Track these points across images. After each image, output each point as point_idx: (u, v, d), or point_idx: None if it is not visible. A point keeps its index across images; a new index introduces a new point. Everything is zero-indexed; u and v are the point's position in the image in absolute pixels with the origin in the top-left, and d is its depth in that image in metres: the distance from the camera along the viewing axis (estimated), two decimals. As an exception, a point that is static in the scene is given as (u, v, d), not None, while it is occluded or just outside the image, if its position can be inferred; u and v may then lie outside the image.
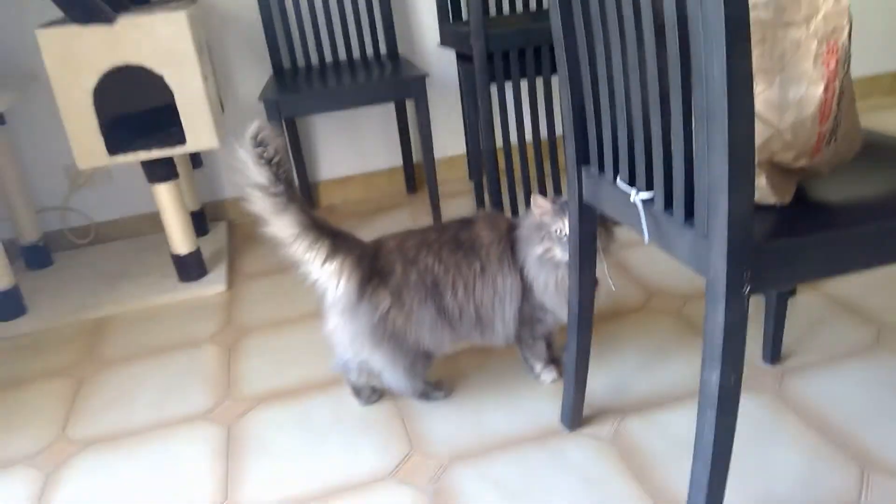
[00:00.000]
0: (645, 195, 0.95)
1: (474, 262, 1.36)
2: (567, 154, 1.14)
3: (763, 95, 0.82)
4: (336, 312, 1.35)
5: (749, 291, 0.82)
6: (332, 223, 1.35)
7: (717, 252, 0.80)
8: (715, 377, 0.86)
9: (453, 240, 1.39)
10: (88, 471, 1.37)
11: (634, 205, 0.97)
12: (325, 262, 1.31)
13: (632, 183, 0.98)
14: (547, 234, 1.32)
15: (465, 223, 1.42)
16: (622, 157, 0.99)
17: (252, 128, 1.24)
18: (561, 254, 1.31)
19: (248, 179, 1.26)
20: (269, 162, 1.23)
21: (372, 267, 1.34)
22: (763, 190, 0.88)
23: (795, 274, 0.84)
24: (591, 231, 1.18)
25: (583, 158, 1.12)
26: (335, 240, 1.32)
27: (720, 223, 0.78)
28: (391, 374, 1.38)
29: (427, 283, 1.34)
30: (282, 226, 1.28)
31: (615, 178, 1.03)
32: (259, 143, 1.23)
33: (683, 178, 0.85)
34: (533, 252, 1.34)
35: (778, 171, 0.90)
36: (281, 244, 1.30)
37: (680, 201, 0.87)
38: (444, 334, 1.37)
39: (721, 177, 0.76)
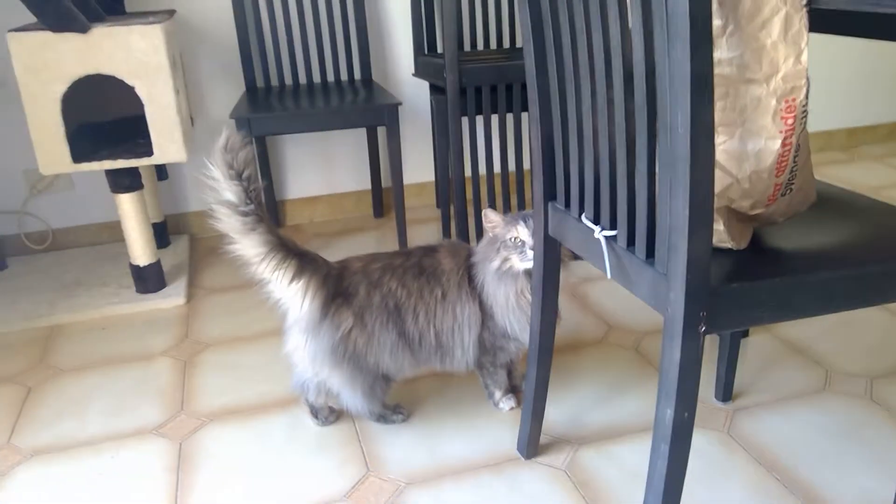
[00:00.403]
0: (608, 233, 0.98)
1: (436, 289, 1.38)
2: (535, 189, 1.18)
3: (724, 146, 0.86)
4: (297, 331, 1.36)
5: (704, 331, 0.85)
6: (298, 243, 1.36)
7: (676, 291, 0.84)
8: (669, 412, 0.89)
9: (417, 266, 1.40)
10: (34, 480, 1.34)
11: (598, 241, 1.00)
12: (290, 281, 1.32)
13: (596, 220, 1.02)
14: (502, 244, 1.33)
15: (429, 250, 1.44)
16: (588, 195, 1.03)
17: (222, 137, 1.25)
18: (519, 261, 1.31)
19: (218, 196, 1.26)
20: (239, 175, 1.24)
21: (336, 287, 1.35)
22: (721, 234, 0.92)
23: (749, 316, 0.88)
24: (555, 263, 1.21)
25: (550, 194, 1.15)
26: (301, 260, 1.33)
27: (679, 264, 0.82)
28: (350, 396, 1.38)
29: (389, 306, 1.35)
30: (249, 245, 1.29)
31: (580, 215, 1.06)
32: (229, 150, 1.23)
33: (646, 219, 0.89)
34: (490, 268, 1.35)
35: (735, 217, 0.94)
36: (246, 263, 1.31)
37: (642, 240, 0.90)
38: (404, 358, 1.38)
39: (682, 220, 0.80)
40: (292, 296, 1.33)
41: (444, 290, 1.38)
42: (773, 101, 0.85)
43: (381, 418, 1.45)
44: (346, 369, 1.34)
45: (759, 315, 0.90)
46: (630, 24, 0.82)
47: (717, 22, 0.81)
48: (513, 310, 1.37)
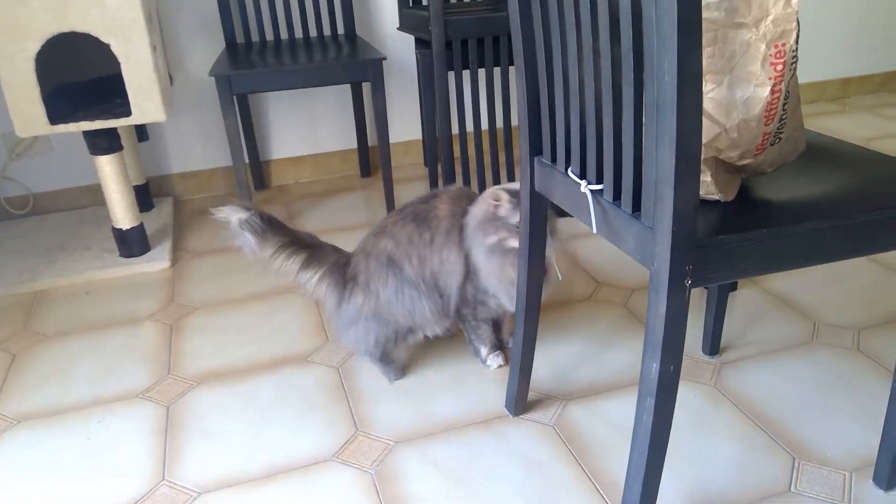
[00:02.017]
0: (595, 187, 0.96)
1: (425, 233, 1.41)
2: (521, 143, 1.15)
3: (712, 94, 0.84)
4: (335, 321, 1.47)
5: (690, 284, 0.84)
6: (312, 235, 1.48)
7: (662, 245, 0.82)
8: (655, 366, 0.88)
9: (411, 214, 1.44)
10: (21, 446, 1.33)
11: (584, 196, 0.98)
12: (298, 272, 1.43)
13: (583, 174, 1.00)
14: (504, 225, 1.34)
15: (430, 197, 1.47)
16: (574, 149, 1.01)
17: (235, 220, 1.38)
18: (514, 242, 1.34)
19: (229, 225, 1.40)
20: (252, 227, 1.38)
21: (344, 273, 1.45)
22: (708, 185, 0.90)
23: (736, 269, 0.87)
24: (541, 219, 1.19)
25: (536, 149, 1.13)
26: (310, 253, 1.44)
27: (665, 216, 0.80)
28: (363, 339, 1.43)
29: (383, 262, 1.40)
30: (263, 250, 1.41)
31: (566, 169, 1.04)
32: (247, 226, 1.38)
33: (633, 172, 0.87)
34: (484, 241, 1.36)
35: (723, 168, 0.92)
36: (260, 261, 1.42)
37: (628, 194, 0.88)
38: (416, 307, 1.40)
39: (668, 171, 0.78)
40: (312, 287, 1.44)
41: (433, 235, 1.41)
42: (763, 46, 0.82)
43: (381, 360, 1.46)
44: (361, 326, 1.42)
45: (745, 267, 0.89)
46: (615, -33, 0.78)
47: (704, -37, 0.78)
48: (499, 279, 1.38)
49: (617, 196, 0.92)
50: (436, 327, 1.44)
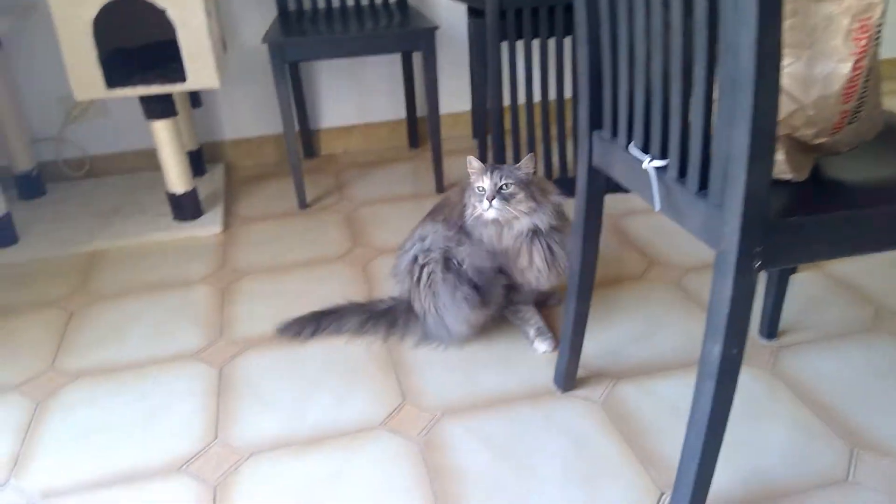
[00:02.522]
0: (658, 163, 0.94)
1: (446, 218, 1.46)
2: (580, 117, 1.12)
3: (789, 69, 0.80)
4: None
5: (759, 267, 0.81)
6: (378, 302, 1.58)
7: (731, 225, 0.80)
8: (717, 349, 0.86)
9: (440, 206, 1.51)
10: (78, 402, 1.37)
11: (646, 172, 0.96)
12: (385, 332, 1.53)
13: (645, 150, 0.97)
14: (472, 191, 1.40)
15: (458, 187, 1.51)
16: (637, 124, 0.98)
17: None
18: (479, 207, 1.37)
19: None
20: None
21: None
22: (780, 165, 0.87)
23: (807, 252, 0.84)
24: (597, 195, 1.17)
25: (595, 123, 1.10)
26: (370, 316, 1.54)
27: (736, 196, 0.77)
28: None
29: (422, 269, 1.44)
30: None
31: (628, 144, 1.01)
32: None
33: (701, 148, 0.84)
34: (466, 213, 1.42)
35: (796, 146, 0.88)
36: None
37: (695, 171, 0.86)
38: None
39: (741, 149, 0.75)
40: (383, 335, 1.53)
41: (446, 219, 1.46)
42: (847, 21, 0.78)
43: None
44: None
45: (818, 250, 0.86)
46: (693, -66, 0.75)
47: (791, -69, 0.74)
48: (497, 250, 1.41)
49: (682, 173, 0.89)
50: (476, 316, 1.45)
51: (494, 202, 1.34)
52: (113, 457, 1.24)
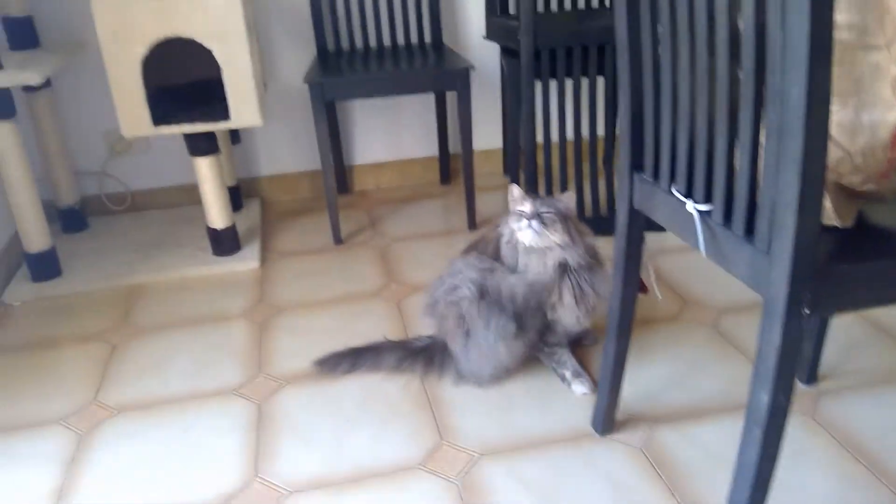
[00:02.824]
0: (702, 207, 0.94)
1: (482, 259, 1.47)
2: (621, 159, 1.13)
3: (836, 117, 0.81)
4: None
5: (808, 314, 0.81)
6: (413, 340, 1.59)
7: (779, 271, 0.79)
8: (765, 397, 0.85)
9: (473, 243, 1.54)
10: (121, 436, 1.39)
11: (689, 215, 0.96)
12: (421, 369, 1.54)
13: (688, 193, 0.98)
14: (512, 216, 1.41)
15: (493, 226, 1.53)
16: (680, 167, 0.98)
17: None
18: (517, 230, 1.38)
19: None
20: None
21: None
22: (826, 211, 0.87)
23: (855, 300, 0.83)
24: (637, 236, 1.17)
25: (637, 165, 1.11)
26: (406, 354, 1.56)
27: (785, 242, 0.77)
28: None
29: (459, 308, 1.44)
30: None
31: (670, 187, 1.02)
32: None
33: (747, 193, 0.84)
34: (503, 242, 1.43)
35: (842, 192, 0.88)
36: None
37: (741, 216, 0.86)
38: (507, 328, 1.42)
39: (790, 195, 0.75)
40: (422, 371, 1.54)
41: (480, 254, 1.48)
42: (894, 69, 0.79)
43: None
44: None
45: (866, 298, 0.85)
46: (740, -15, 0.76)
47: (839, -18, 0.75)
48: (536, 279, 1.41)
49: (727, 217, 0.89)
50: (516, 350, 1.45)
51: (533, 223, 1.36)
52: (154, 492, 1.25)
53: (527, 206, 1.39)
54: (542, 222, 1.37)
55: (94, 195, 2.41)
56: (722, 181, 0.89)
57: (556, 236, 1.38)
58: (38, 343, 1.72)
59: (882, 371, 1.45)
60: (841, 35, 0.78)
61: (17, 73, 1.73)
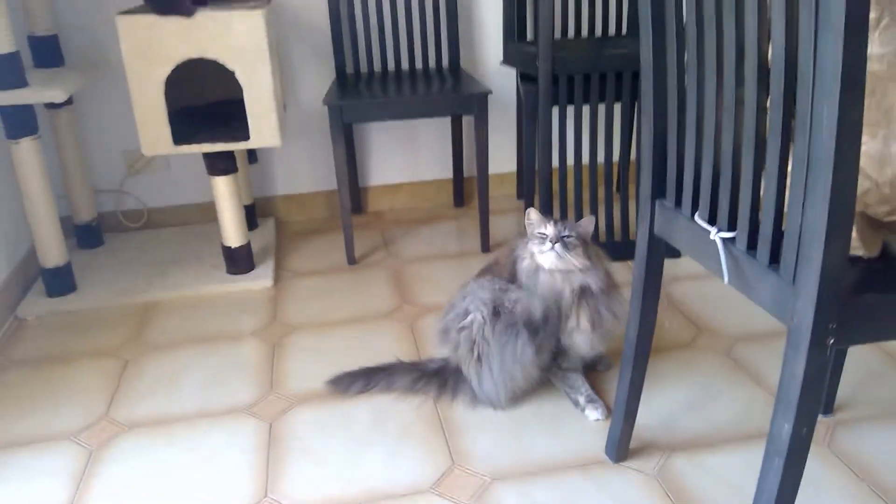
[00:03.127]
0: (726, 234, 0.94)
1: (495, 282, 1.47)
2: (642, 186, 1.14)
3: (865, 147, 0.81)
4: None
5: (833, 344, 0.80)
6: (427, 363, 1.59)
7: (805, 301, 0.79)
8: (787, 427, 0.84)
9: (485, 267, 1.54)
10: (132, 452, 1.39)
11: (711, 243, 0.96)
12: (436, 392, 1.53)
13: (711, 221, 0.98)
14: (531, 239, 1.42)
15: (506, 249, 1.54)
16: (703, 195, 0.99)
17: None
18: (537, 252, 1.39)
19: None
20: None
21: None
22: (852, 241, 0.86)
23: (882, 330, 0.83)
24: (657, 263, 1.17)
25: (658, 192, 1.11)
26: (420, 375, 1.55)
27: (812, 272, 0.77)
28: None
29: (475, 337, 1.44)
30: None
31: (693, 215, 1.02)
32: None
33: (773, 222, 0.84)
34: (522, 266, 1.43)
35: (868, 222, 0.88)
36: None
37: (766, 245, 0.86)
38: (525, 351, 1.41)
39: (818, 225, 0.75)
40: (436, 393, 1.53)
41: (493, 277, 1.48)
42: (923, 101, 0.79)
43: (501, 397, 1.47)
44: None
45: (890, 328, 0.84)
46: (770, 14, 0.77)
47: (871, 14, 0.75)
48: (553, 304, 1.41)
49: (752, 246, 0.89)
50: (531, 373, 1.45)
51: (557, 246, 1.36)
52: (164, 509, 1.25)
53: (549, 229, 1.39)
54: (565, 246, 1.37)
55: (111, 212, 2.43)
56: (747, 209, 0.89)
57: (577, 260, 1.38)
58: (51, 358, 1.72)
59: (900, 404, 1.44)
60: (873, 66, 0.78)
61: (42, 91, 1.75)
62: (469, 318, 1.42)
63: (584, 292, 1.40)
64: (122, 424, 1.47)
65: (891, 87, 0.79)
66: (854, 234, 0.87)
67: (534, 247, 1.40)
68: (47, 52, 2.08)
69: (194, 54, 1.77)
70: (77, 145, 2.19)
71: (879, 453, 1.30)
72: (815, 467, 1.27)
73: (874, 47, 0.77)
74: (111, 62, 2.21)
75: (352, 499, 1.25)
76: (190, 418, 1.48)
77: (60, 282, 1.96)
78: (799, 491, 1.20)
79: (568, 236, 1.38)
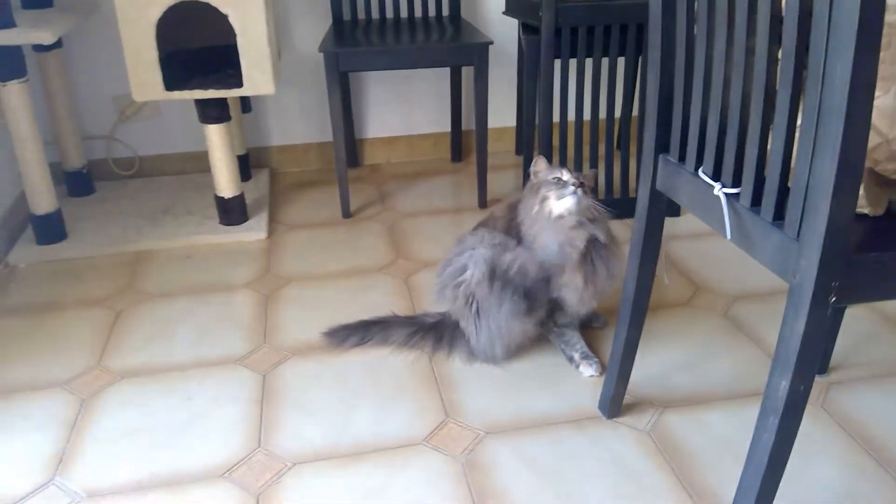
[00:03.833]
0: (730, 190, 0.92)
1: (494, 237, 1.44)
2: (645, 139, 1.11)
3: (877, 102, 0.78)
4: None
5: (834, 302, 0.79)
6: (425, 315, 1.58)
7: (809, 258, 0.77)
8: (784, 384, 0.84)
9: (484, 220, 1.52)
10: (123, 402, 1.38)
11: (715, 198, 0.94)
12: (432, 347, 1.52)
13: (716, 176, 0.95)
14: (543, 184, 1.37)
15: (505, 203, 1.52)
16: (708, 149, 0.96)
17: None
18: (555, 199, 1.35)
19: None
20: None
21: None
22: (859, 199, 0.84)
23: (883, 290, 0.81)
24: (658, 218, 1.15)
25: (662, 146, 1.08)
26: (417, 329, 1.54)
27: (817, 228, 0.75)
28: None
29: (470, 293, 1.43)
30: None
31: (696, 169, 0.99)
32: None
33: (779, 177, 0.82)
34: (530, 215, 1.39)
35: (875, 180, 0.86)
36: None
37: (771, 200, 0.84)
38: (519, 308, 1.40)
39: (826, 180, 0.73)
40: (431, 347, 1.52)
41: (490, 231, 1.46)
42: (940, 55, 0.76)
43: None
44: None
45: (893, 288, 0.83)
46: (786, -39, 0.74)
47: (892, -40, 0.72)
48: (553, 257, 1.38)
49: (756, 202, 0.87)
50: (528, 329, 1.44)
51: (579, 190, 1.34)
52: (156, 459, 1.24)
53: (565, 175, 1.35)
54: (585, 191, 1.34)
55: (102, 159, 2.39)
56: (753, 164, 0.86)
57: (595, 207, 1.36)
58: (41, 306, 1.71)
59: (892, 363, 1.44)
60: (890, 17, 0.75)
61: (29, 32, 1.70)
62: (468, 272, 1.40)
63: (592, 244, 1.37)
64: (115, 374, 1.46)
65: (908, 38, 0.76)
66: (861, 191, 0.85)
67: (550, 192, 1.35)
68: (35, -8, 2.02)
69: (186, -4, 1.71)
70: (66, 90, 2.14)
71: (872, 413, 1.30)
72: (809, 427, 1.28)
73: (893, -4, 0.74)
74: (101, 4, 2.15)
75: (345, 450, 1.25)
76: (183, 368, 1.48)
77: (50, 229, 1.94)
78: (794, 449, 1.22)
79: (584, 182, 1.35)
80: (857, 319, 1.58)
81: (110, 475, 1.21)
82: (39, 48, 2.04)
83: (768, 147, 0.84)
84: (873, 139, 0.80)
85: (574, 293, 1.40)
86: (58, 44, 2.08)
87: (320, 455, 1.24)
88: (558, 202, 1.35)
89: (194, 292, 1.76)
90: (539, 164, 1.42)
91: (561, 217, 1.36)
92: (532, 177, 1.43)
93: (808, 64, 0.73)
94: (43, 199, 1.89)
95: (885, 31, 0.76)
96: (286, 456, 1.24)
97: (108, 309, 1.69)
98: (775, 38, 0.78)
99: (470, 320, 1.42)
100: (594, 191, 1.42)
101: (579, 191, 1.33)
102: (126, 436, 1.30)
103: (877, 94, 0.78)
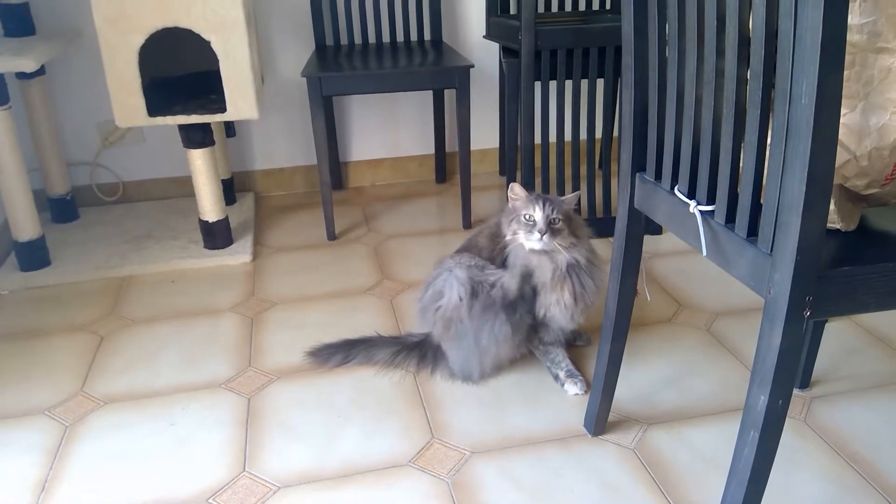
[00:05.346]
0: (705, 208, 0.93)
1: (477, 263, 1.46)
2: (622, 159, 1.13)
3: (844, 119, 0.81)
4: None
5: (809, 316, 0.80)
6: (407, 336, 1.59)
7: (782, 273, 0.79)
8: (762, 399, 0.85)
9: (466, 247, 1.53)
10: (107, 428, 1.37)
11: (691, 216, 0.96)
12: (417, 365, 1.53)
13: (691, 194, 0.97)
14: (515, 218, 1.40)
15: (484, 231, 1.53)
16: (682, 168, 0.98)
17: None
18: (524, 239, 1.37)
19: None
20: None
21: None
22: (830, 214, 0.86)
23: (857, 303, 0.83)
24: (637, 237, 1.16)
25: (638, 165, 1.10)
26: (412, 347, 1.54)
27: (789, 244, 0.77)
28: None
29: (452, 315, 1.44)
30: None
31: (672, 188, 1.01)
32: None
33: (751, 194, 0.84)
34: (506, 241, 1.42)
35: (846, 196, 0.88)
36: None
37: (744, 217, 0.85)
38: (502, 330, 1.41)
39: (796, 196, 0.75)
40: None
41: (478, 259, 1.47)
42: (904, 73, 0.79)
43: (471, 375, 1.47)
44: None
45: (867, 302, 0.84)
46: (751, -15, 0.76)
47: (852, -16, 0.75)
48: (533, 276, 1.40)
49: (730, 219, 0.89)
50: (507, 351, 1.45)
51: (545, 237, 1.35)
52: (140, 485, 1.23)
53: (537, 214, 1.36)
54: (553, 234, 1.36)
55: (86, 185, 2.38)
56: (726, 182, 0.88)
57: (564, 242, 1.37)
58: (25, 332, 1.70)
59: (874, 376, 1.46)
60: (853, 37, 0.77)
61: (12, 60, 1.70)
62: (444, 298, 1.41)
63: (570, 267, 1.39)
64: (98, 400, 1.45)
65: (871, 57, 0.78)
66: (832, 207, 0.87)
67: (520, 231, 1.38)
68: (18, 20, 2.02)
69: (168, 23, 1.73)
70: (50, 117, 2.14)
71: (855, 427, 1.32)
72: (792, 441, 1.29)
73: (854, 18, 0.77)
74: (84, 31, 2.16)
75: (331, 473, 1.25)
76: (167, 393, 1.47)
77: (34, 256, 1.93)
78: (775, 464, 1.22)
79: (555, 220, 1.37)
80: (839, 333, 1.60)
81: (94, 501, 1.20)
82: (22, 76, 2.04)
83: (741, 165, 0.86)
84: (842, 156, 0.82)
85: (563, 310, 1.41)
86: (41, 71, 2.09)
87: (306, 477, 1.24)
88: (528, 243, 1.38)
89: (179, 316, 1.75)
90: (515, 191, 1.42)
91: (532, 249, 1.38)
92: (509, 202, 1.44)
93: (776, 83, 0.76)
94: (26, 225, 1.88)
95: (850, 50, 0.79)
96: (271, 479, 1.23)
97: (93, 334, 1.68)
98: (744, 59, 0.80)
99: (449, 344, 1.43)
100: (577, 211, 1.44)
101: (545, 237, 1.35)
102: (110, 461, 1.29)
103: (843, 111, 0.81)
